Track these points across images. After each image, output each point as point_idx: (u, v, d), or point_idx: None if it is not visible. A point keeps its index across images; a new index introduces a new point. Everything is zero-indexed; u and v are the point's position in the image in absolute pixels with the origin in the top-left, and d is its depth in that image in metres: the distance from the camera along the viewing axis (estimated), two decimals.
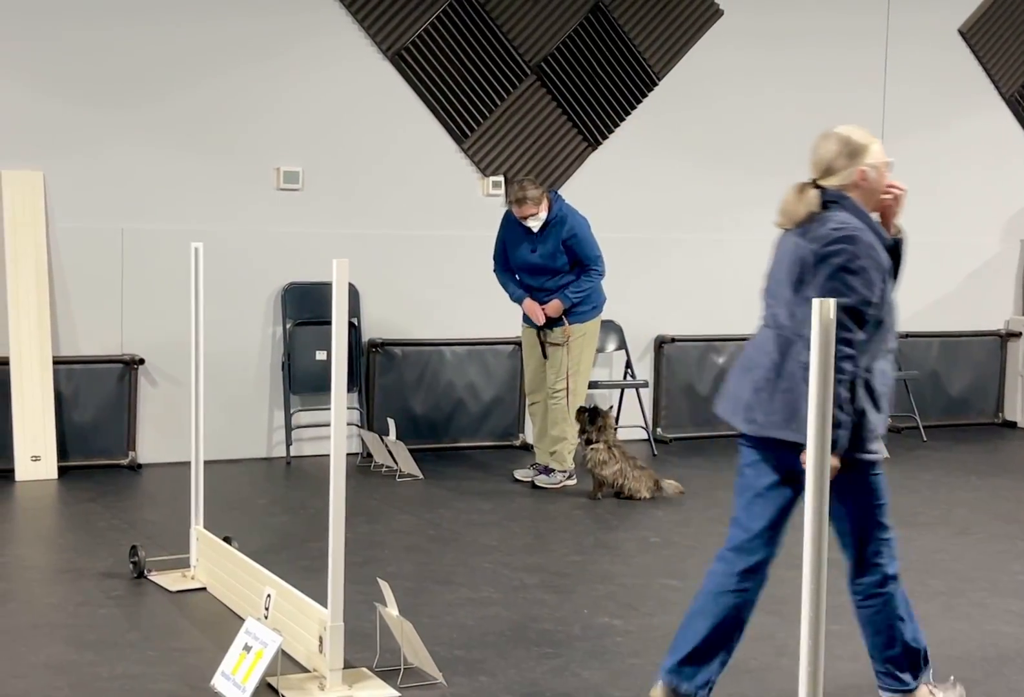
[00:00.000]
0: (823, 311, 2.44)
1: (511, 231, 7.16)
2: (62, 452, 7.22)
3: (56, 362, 7.25)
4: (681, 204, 8.81)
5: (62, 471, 7.15)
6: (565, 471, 7.16)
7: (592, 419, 6.92)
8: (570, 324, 7.08)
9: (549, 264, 7.06)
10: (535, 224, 7.01)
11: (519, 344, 8.31)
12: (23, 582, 5.25)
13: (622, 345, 8.54)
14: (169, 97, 7.53)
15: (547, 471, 7.18)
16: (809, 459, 2.53)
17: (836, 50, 9.09)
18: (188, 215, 7.59)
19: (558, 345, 7.13)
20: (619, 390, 8.52)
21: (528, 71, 8.33)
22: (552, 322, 7.11)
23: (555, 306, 7.07)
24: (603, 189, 8.58)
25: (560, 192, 8.41)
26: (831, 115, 9.05)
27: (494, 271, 7.30)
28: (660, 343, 8.75)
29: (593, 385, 8.27)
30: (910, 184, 9.37)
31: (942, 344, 9.56)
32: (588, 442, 6.91)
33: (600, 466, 6.84)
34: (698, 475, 7.56)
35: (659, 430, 8.68)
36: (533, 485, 7.14)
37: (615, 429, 7.11)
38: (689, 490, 7.10)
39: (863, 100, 9.19)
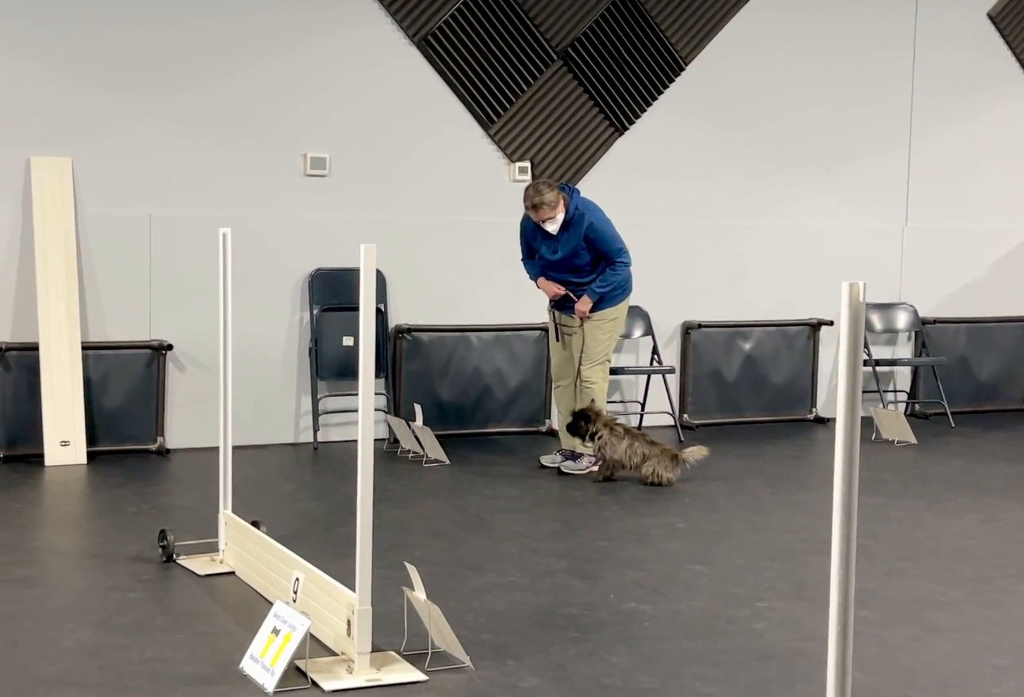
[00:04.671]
0: (852, 294, 2.43)
1: (531, 234, 7.15)
2: (91, 437, 7.26)
3: (85, 348, 7.28)
4: (708, 190, 8.78)
5: (91, 456, 7.19)
6: (593, 456, 7.16)
7: (585, 420, 6.91)
8: (599, 309, 7.08)
9: (572, 262, 7.05)
10: (553, 227, 6.97)
11: (546, 330, 8.33)
12: (52, 566, 5.29)
13: (649, 331, 8.53)
14: (198, 84, 7.55)
15: (573, 457, 7.18)
16: (839, 442, 2.52)
17: (865, 35, 9.03)
18: (216, 201, 7.61)
19: (572, 331, 7.15)
20: (645, 376, 8.51)
21: (554, 56, 8.31)
22: (565, 303, 7.13)
23: (584, 303, 7.05)
24: (629, 175, 8.56)
25: (584, 178, 8.40)
26: (860, 101, 9.06)
27: (521, 260, 7.32)
28: (687, 329, 8.73)
29: (619, 371, 8.29)
30: (938, 172, 9.38)
31: (970, 330, 9.51)
32: (592, 437, 6.90)
33: (610, 448, 6.84)
34: (724, 461, 7.54)
35: (685, 416, 8.67)
36: (559, 471, 7.14)
37: (607, 413, 7.10)
38: (715, 476, 7.09)
39: (892, 85, 9.14)
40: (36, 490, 6.66)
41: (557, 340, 7.27)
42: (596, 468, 7.10)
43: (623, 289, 7.17)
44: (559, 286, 7.12)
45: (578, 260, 7.05)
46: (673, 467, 6.82)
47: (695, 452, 6.88)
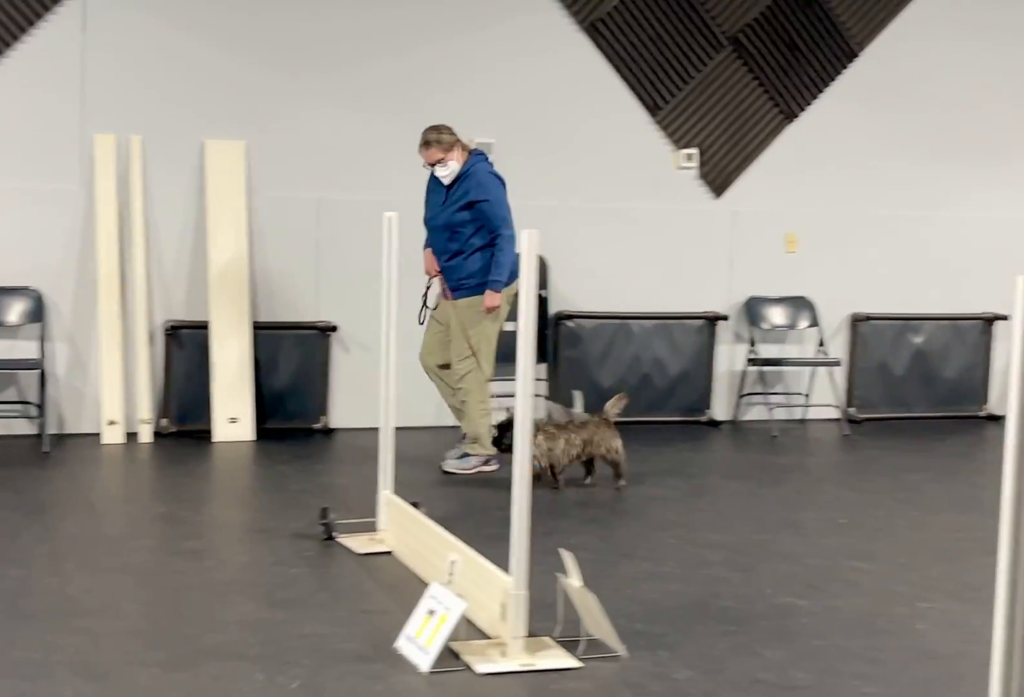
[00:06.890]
0: (1021, 289, 2.34)
1: (430, 187, 6.68)
2: (259, 415, 7.43)
3: (254, 327, 7.44)
4: (879, 179, 8.58)
5: (257, 433, 7.35)
6: (481, 456, 6.72)
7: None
8: (470, 297, 6.52)
9: (453, 221, 6.51)
10: (443, 173, 6.49)
11: (708, 318, 8.25)
12: (219, 540, 5.42)
13: (815, 322, 8.38)
14: (366, 69, 7.64)
15: (464, 455, 6.75)
16: (1010, 441, 2.44)
17: None
18: (382, 185, 7.69)
19: (442, 317, 6.64)
20: (811, 368, 8.37)
21: (724, 42, 8.21)
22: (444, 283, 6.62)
23: (492, 300, 6.45)
24: (798, 163, 8.41)
25: (752, 165, 8.28)
26: None
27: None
28: (855, 321, 8.56)
29: (783, 362, 8.17)
30: None
31: None
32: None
33: (550, 455, 6.28)
34: (889, 457, 7.39)
35: (851, 410, 8.50)
36: (442, 470, 6.72)
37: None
38: (880, 471, 6.96)
39: None
40: (204, 465, 6.84)
41: (420, 323, 6.70)
42: (487, 468, 6.69)
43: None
44: (436, 267, 6.60)
45: (452, 218, 6.51)
46: (613, 434, 6.35)
47: (614, 405, 6.40)
